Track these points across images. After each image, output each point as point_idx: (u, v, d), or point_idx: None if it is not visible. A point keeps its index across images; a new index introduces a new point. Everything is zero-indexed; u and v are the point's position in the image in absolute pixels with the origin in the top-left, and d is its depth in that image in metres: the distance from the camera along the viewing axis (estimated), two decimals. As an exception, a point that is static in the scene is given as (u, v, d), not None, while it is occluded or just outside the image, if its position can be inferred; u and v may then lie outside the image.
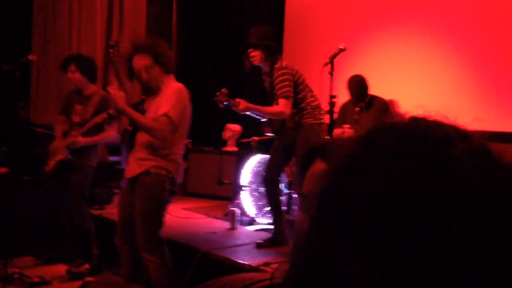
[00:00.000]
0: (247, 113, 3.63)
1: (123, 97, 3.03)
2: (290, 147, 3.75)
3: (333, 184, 0.45)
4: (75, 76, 4.00)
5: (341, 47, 3.50)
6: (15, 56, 4.12)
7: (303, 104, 3.67)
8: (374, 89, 4.61)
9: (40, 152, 4.11)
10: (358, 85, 4.47)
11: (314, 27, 5.80)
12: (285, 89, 3.54)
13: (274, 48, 3.67)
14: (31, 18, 6.43)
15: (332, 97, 3.50)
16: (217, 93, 3.57)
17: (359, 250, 0.40)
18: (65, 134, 3.98)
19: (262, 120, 4.00)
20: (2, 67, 4.01)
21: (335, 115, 3.99)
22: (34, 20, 6.43)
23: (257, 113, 3.70)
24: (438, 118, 0.47)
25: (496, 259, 0.38)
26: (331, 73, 3.45)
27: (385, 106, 4.58)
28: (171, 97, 3.06)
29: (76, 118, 3.98)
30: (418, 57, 4.89)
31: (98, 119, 3.82)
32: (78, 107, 4.01)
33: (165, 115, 3.00)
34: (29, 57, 4.03)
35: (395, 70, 5.06)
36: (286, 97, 3.54)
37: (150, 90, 3.20)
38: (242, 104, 3.50)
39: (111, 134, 4.01)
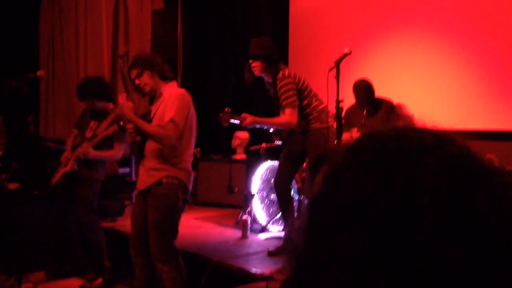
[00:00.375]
0: (256, 126, 3.62)
1: (131, 107, 3.07)
2: (299, 153, 3.74)
3: (321, 191, 0.48)
4: (94, 105, 4.04)
5: (346, 51, 3.48)
6: (24, 72, 4.16)
7: (308, 110, 3.67)
8: (380, 92, 4.59)
9: (50, 167, 4.14)
10: (365, 89, 4.45)
11: (318, 32, 5.80)
12: (290, 99, 3.53)
13: (274, 58, 3.65)
14: (39, 35, 6.50)
15: (339, 101, 3.48)
16: (220, 114, 3.56)
17: (332, 256, 0.43)
18: (74, 148, 4.00)
19: (271, 130, 3.99)
20: (10, 84, 4.05)
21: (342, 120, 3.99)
22: (41, 36, 6.50)
23: (264, 125, 3.68)
24: (422, 124, 0.49)
25: (456, 265, 0.39)
26: (337, 78, 3.44)
27: (393, 108, 4.56)
28: (173, 102, 3.08)
29: (89, 134, 4.00)
30: (424, 60, 4.87)
31: (109, 131, 3.84)
32: (93, 123, 4.04)
33: (171, 120, 3.02)
34: (38, 73, 4.07)
35: (400, 73, 5.04)
36: (291, 107, 3.53)
37: (154, 99, 3.24)
38: (248, 118, 3.49)
39: (118, 154, 4.02)
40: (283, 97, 3.55)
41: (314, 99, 3.70)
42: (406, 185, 0.42)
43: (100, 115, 4.03)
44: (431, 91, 4.78)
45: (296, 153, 3.76)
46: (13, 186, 4.87)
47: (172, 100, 3.09)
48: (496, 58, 4.44)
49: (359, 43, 5.08)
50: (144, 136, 3.15)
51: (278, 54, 3.73)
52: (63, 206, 4.10)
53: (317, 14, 5.96)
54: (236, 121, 3.55)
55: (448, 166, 0.43)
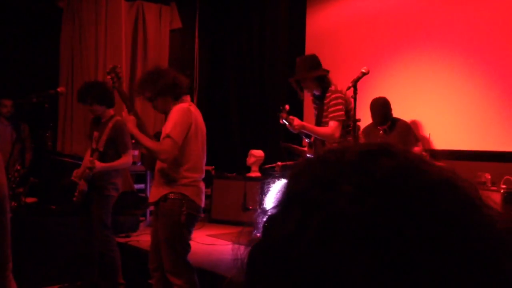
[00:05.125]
0: (302, 130, 3.56)
1: (133, 120, 3.12)
2: None
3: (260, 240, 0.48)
4: (92, 108, 4.04)
5: (363, 71, 3.48)
6: (44, 89, 4.24)
7: (347, 130, 3.60)
8: (397, 112, 4.58)
9: (66, 182, 4.15)
10: (382, 107, 4.45)
11: (335, 53, 5.82)
12: (338, 112, 3.49)
13: (324, 76, 3.63)
14: (59, 52, 6.63)
15: (356, 120, 3.48)
16: (281, 108, 3.48)
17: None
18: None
19: (307, 140, 3.97)
20: (31, 99, 4.13)
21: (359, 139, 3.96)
22: (61, 53, 6.64)
23: (308, 132, 3.61)
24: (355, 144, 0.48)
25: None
26: (354, 97, 3.44)
27: (408, 129, 4.55)
28: (171, 118, 3.10)
29: (94, 145, 4.03)
30: (440, 80, 4.86)
31: (100, 146, 3.90)
32: (95, 134, 4.06)
33: (167, 136, 3.03)
34: (58, 89, 4.13)
35: (417, 94, 5.03)
36: (337, 120, 3.49)
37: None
38: (296, 121, 3.45)
39: (127, 161, 4.02)
40: (331, 109, 3.50)
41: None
42: (355, 197, 0.41)
43: (101, 125, 4.03)
44: (448, 112, 4.76)
45: None
46: (30, 200, 4.93)
47: (170, 116, 3.11)
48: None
49: (376, 63, 5.10)
50: None
51: (324, 70, 3.67)
52: (83, 223, 4.12)
53: (333, 34, 6.00)
54: (287, 122, 3.47)
55: (398, 175, 0.42)
